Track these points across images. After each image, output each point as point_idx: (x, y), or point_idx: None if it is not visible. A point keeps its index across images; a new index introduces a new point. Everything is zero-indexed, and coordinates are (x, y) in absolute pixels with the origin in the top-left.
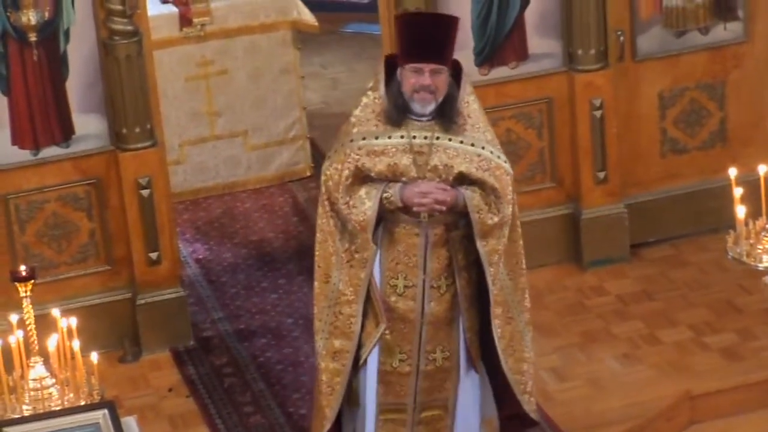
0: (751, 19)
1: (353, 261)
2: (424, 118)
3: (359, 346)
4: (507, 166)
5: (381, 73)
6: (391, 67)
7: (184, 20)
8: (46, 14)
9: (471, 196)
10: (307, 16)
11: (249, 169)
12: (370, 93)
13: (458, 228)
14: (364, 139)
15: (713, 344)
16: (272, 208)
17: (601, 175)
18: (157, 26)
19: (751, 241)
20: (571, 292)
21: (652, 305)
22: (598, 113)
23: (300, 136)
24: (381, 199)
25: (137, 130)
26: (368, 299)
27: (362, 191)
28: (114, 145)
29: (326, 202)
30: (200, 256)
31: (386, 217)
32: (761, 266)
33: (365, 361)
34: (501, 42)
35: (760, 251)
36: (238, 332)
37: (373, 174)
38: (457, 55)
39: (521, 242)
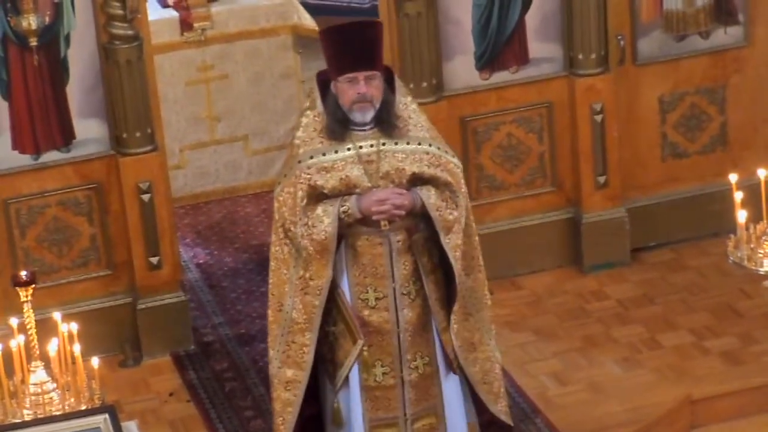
0: (752, 23)
1: (308, 288)
2: (366, 128)
3: (338, 366)
4: (456, 160)
5: (316, 91)
6: (324, 83)
7: (185, 25)
8: (47, 19)
9: (428, 195)
10: (308, 21)
11: (249, 174)
12: (308, 112)
13: (419, 231)
14: (311, 158)
15: (714, 348)
16: (273, 213)
17: (602, 179)
18: (158, 31)
19: (752, 245)
20: (572, 296)
21: (653, 309)
22: (598, 117)
23: None
24: (339, 214)
25: (138, 134)
26: (340, 319)
27: (318, 210)
28: (114, 149)
29: (280, 229)
30: (201, 261)
31: (346, 233)
32: (762, 270)
33: (347, 379)
34: (502, 46)
35: (760, 255)
36: (238, 337)
37: (326, 191)
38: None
39: (476, 238)
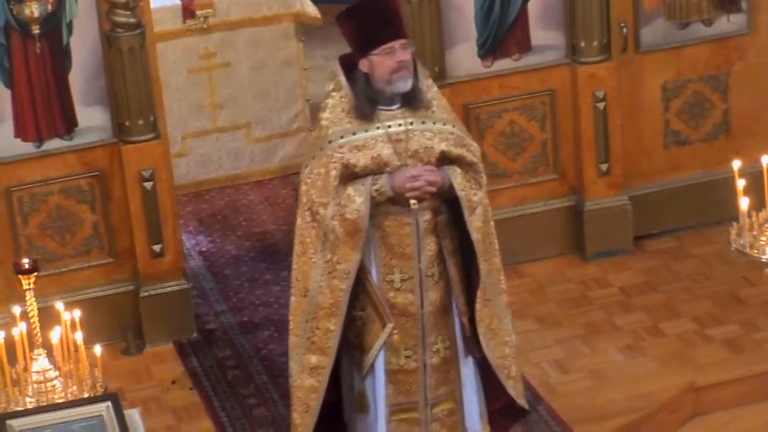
0: (755, 10)
1: (335, 272)
2: (393, 107)
3: (366, 350)
4: (475, 144)
5: (340, 73)
6: (347, 66)
7: (187, 12)
8: (49, 7)
9: (454, 175)
10: (310, 9)
11: (252, 162)
12: (334, 94)
13: (441, 212)
14: (342, 137)
15: (716, 336)
16: (275, 201)
17: (604, 167)
18: (160, 18)
19: (755, 233)
20: (574, 284)
21: (656, 297)
22: (601, 105)
23: (303, 128)
24: (371, 193)
25: (140, 122)
26: (368, 303)
27: (349, 189)
28: (117, 137)
29: (307, 213)
30: (203, 249)
31: (374, 213)
32: (764, 258)
33: (372, 365)
34: (504, 34)
35: (763, 243)
36: (241, 324)
37: (357, 169)
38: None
39: (492, 223)
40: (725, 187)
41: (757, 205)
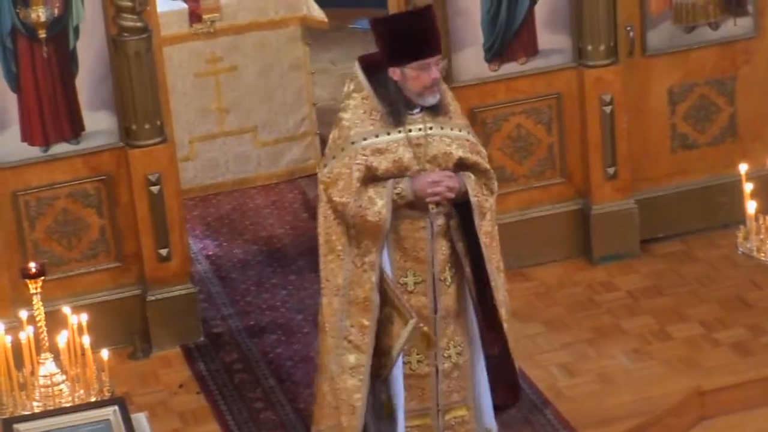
0: (761, 14)
1: (363, 265)
2: (415, 111)
3: (386, 351)
4: (485, 151)
5: (361, 74)
6: (368, 68)
7: (194, 16)
8: (56, 11)
9: (469, 181)
10: (317, 13)
11: (259, 166)
12: (355, 95)
13: (453, 216)
14: (365, 139)
15: (724, 340)
16: (282, 205)
17: (611, 170)
18: (167, 23)
19: (762, 237)
20: (581, 287)
21: (663, 301)
22: (607, 109)
23: (309, 132)
24: (392, 196)
25: (147, 126)
26: (387, 303)
27: (370, 192)
28: (124, 141)
29: (329, 211)
30: (210, 253)
31: (391, 217)
32: None
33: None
34: (511, 38)
35: None
36: (248, 328)
37: (379, 172)
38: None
39: (496, 227)
40: (732, 190)
41: (764, 209)
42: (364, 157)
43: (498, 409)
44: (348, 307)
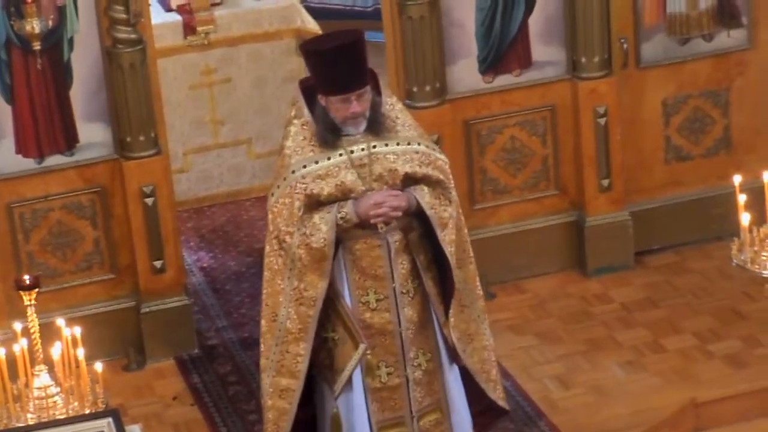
0: (755, 26)
1: (302, 299)
2: (356, 132)
3: (338, 371)
4: (443, 156)
5: (301, 100)
6: (308, 90)
7: (188, 29)
8: (50, 23)
9: (422, 195)
10: (311, 24)
11: (253, 177)
12: (295, 121)
13: (413, 229)
14: (305, 167)
15: (718, 352)
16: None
17: (605, 182)
18: (161, 34)
19: (756, 248)
20: (575, 299)
21: (657, 313)
22: (602, 120)
23: None
24: (337, 221)
25: (141, 138)
26: (340, 324)
27: (315, 218)
28: (118, 153)
29: (274, 241)
30: (205, 265)
31: (343, 237)
32: (766, 273)
33: (350, 383)
34: (505, 50)
35: (764, 258)
36: (242, 340)
37: (322, 198)
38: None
39: (465, 230)
40: (726, 202)
41: (758, 221)
42: (303, 186)
43: (479, 417)
44: (284, 334)
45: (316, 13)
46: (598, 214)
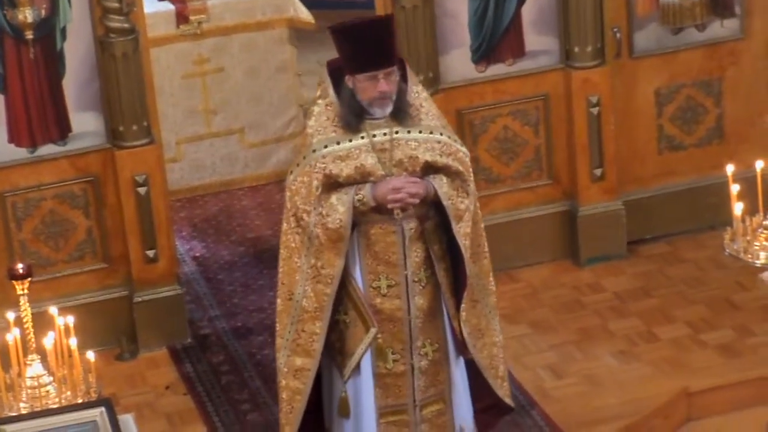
0: (748, 15)
1: (319, 277)
2: (379, 116)
3: (348, 354)
4: (464, 149)
5: (327, 80)
6: (335, 72)
7: (181, 18)
8: (43, 12)
9: (440, 184)
10: (304, 14)
11: (246, 167)
12: (320, 101)
13: (429, 218)
14: (326, 147)
15: (710, 341)
16: (269, 206)
17: (598, 172)
18: (154, 24)
19: (748, 238)
20: (568, 289)
21: (649, 302)
22: (594, 110)
23: (297, 133)
24: (354, 203)
25: (134, 127)
26: (352, 307)
27: (333, 198)
28: (111, 142)
29: (291, 219)
30: (197, 254)
31: (360, 221)
32: (758, 263)
33: (358, 367)
34: (498, 39)
35: (757, 248)
36: (235, 330)
37: (341, 179)
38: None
39: (482, 225)
40: (719, 192)
41: (750, 210)
42: (323, 165)
43: (483, 414)
44: (300, 313)
45: (309, 2)
46: (591, 203)
